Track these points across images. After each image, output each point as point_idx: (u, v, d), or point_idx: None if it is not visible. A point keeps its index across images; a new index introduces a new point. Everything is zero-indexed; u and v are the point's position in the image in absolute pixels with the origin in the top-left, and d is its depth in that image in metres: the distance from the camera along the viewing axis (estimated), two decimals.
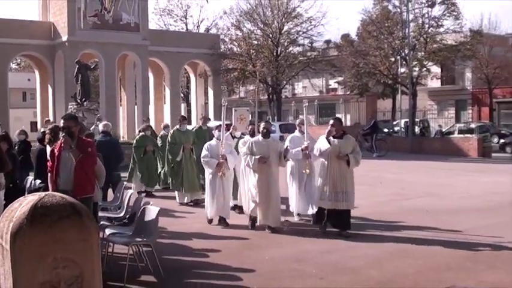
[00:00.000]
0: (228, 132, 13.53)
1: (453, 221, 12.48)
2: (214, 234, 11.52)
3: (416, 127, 39.81)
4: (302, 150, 12.01)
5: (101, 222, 9.41)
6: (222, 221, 12.43)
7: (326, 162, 11.21)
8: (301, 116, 17.75)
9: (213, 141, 12.91)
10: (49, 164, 8.63)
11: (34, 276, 2.48)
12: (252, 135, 12.79)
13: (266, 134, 11.86)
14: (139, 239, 8.46)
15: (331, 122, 11.52)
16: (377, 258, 9.42)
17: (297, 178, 12.60)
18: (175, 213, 14.09)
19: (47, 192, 2.92)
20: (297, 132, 13.18)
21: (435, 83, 51.45)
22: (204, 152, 12.68)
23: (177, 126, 16.17)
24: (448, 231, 11.44)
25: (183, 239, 11.18)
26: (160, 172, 17.48)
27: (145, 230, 8.48)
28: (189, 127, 19.89)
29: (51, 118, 33.48)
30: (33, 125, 45.22)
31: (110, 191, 13.39)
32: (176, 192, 15.81)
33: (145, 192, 16.79)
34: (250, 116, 15.26)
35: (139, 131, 18.20)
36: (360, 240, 10.70)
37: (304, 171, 12.14)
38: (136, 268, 8.68)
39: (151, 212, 8.46)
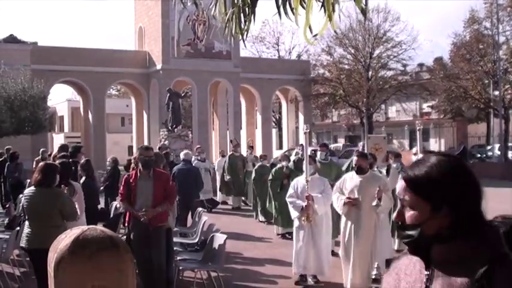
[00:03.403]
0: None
1: None
2: (289, 261, 11.05)
3: None
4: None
5: (175, 248, 9.84)
6: (313, 277, 9.91)
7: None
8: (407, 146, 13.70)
9: (302, 177, 9.85)
10: (121, 190, 8.87)
11: None
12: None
13: (359, 169, 8.93)
14: (206, 265, 8.83)
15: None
16: None
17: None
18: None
19: (89, 226, 3.22)
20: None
21: None
22: (290, 191, 9.95)
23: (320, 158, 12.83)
24: None
25: (258, 265, 11.45)
26: None
27: (213, 257, 8.84)
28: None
29: (146, 143, 34.67)
30: (131, 149, 46.88)
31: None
32: None
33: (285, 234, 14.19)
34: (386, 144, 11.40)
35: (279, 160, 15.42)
36: None
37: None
38: None
39: (219, 239, 8.80)
